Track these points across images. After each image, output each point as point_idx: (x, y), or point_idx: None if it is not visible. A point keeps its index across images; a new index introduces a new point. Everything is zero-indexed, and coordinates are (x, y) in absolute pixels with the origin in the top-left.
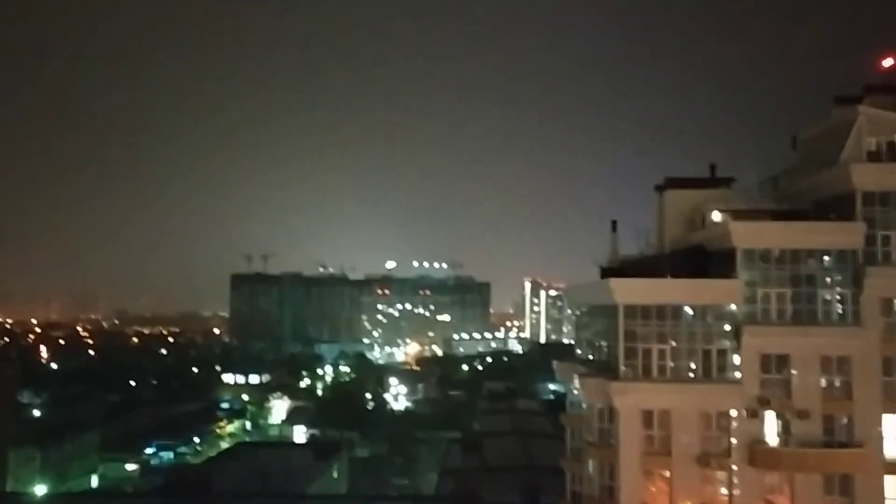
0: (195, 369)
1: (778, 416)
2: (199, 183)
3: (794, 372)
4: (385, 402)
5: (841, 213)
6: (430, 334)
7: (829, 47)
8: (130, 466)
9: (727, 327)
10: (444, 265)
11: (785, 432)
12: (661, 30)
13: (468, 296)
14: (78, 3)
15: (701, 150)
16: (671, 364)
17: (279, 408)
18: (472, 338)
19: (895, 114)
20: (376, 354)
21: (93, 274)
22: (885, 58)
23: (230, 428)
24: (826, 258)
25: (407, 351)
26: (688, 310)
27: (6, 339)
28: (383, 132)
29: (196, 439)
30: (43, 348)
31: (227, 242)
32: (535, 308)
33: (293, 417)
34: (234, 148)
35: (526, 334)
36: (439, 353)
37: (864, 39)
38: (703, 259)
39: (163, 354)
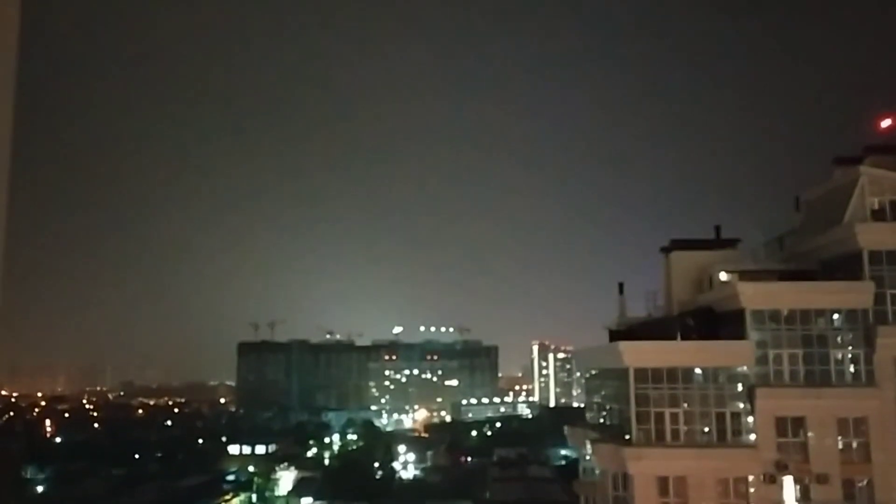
0: (201, 440)
1: (796, 481)
2: (204, 252)
3: (810, 435)
4: (394, 471)
5: (848, 273)
6: (439, 400)
7: (828, 108)
8: None
9: (740, 389)
10: (451, 329)
11: (804, 498)
12: (663, 92)
13: (476, 360)
14: (75, 76)
15: (706, 211)
16: (685, 428)
17: (286, 479)
18: (480, 403)
19: None
20: (384, 421)
21: (99, 346)
22: (883, 118)
23: (236, 501)
24: (836, 318)
25: (415, 417)
26: (699, 372)
27: (11, 413)
28: (388, 198)
29: None
30: (48, 422)
31: (234, 311)
32: (544, 371)
33: (300, 488)
34: (241, 218)
35: (535, 398)
36: (448, 419)
37: (863, 101)
38: (713, 321)
39: (168, 426)
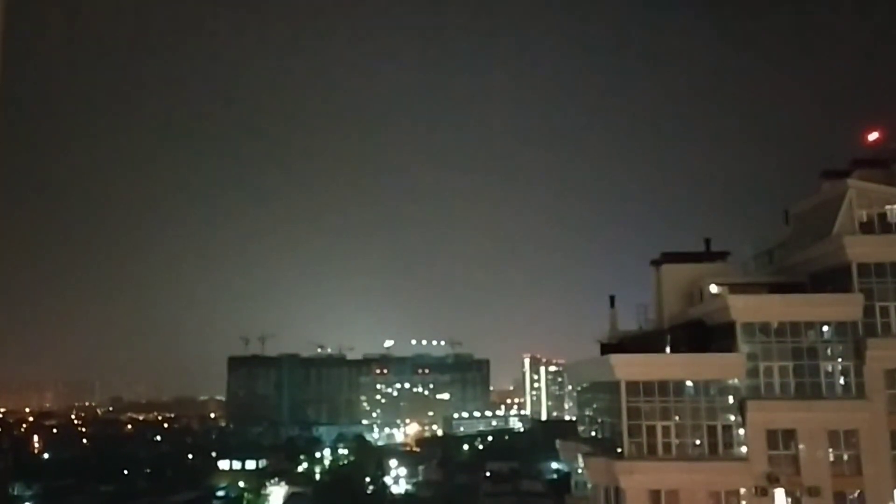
0: (190, 456)
1: (788, 494)
2: (194, 266)
3: (801, 447)
4: (385, 486)
5: (837, 285)
6: (430, 414)
7: (816, 122)
8: None
9: (731, 402)
10: (443, 343)
11: None
12: (654, 106)
13: (467, 374)
14: (72, 90)
15: (696, 224)
16: (676, 441)
17: (277, 494)
18: (472, 416)
19: (884, 186)
20: (375, 436)
21: (88, 361)
22: (870, 132)
23: None
24: (826, 330)
25: (407, 431)
26: (690, 385)
27: None
28: (379, 211)
29: None
30: (36, 438)
31: (224, 325)
32: (536, 385)
33: None
34: (231, 231)
35: (527, 411)
36: (439, 433)
37: (851, 114)
38: (703, 333)
39: (157, 441)
